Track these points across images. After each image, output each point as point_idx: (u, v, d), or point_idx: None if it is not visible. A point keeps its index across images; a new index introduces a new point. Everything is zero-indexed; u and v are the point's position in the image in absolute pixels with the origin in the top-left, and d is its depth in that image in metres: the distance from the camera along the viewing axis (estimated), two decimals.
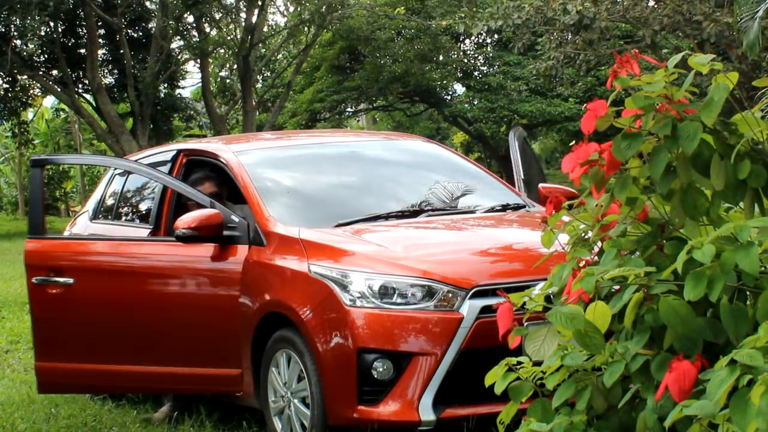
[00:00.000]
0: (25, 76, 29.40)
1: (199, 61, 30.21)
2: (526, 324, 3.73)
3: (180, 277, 6.63)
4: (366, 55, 32.13)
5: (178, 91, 34.43)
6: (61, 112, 41.61)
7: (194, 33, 30.19)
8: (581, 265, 3.64)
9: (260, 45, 31.96)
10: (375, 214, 6.48)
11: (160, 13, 26.94)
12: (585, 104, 3.70)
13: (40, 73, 28.75)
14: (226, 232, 6.28)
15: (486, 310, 5.36)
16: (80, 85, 30.31)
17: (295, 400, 5.80)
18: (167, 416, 6.79)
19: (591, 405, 3.60)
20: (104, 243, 7.19)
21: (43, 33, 27.49)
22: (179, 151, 7.35)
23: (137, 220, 7.63)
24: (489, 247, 6.03)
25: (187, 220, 6.27)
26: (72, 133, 44.31)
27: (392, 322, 5.44)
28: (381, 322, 5.45)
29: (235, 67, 31.74)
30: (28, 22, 25.20)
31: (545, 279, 3.90)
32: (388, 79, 31.46)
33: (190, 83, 42.48)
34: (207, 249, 6.40)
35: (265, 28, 31.42)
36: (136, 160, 7.54)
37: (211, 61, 32.07)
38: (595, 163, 3.61)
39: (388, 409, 5.41)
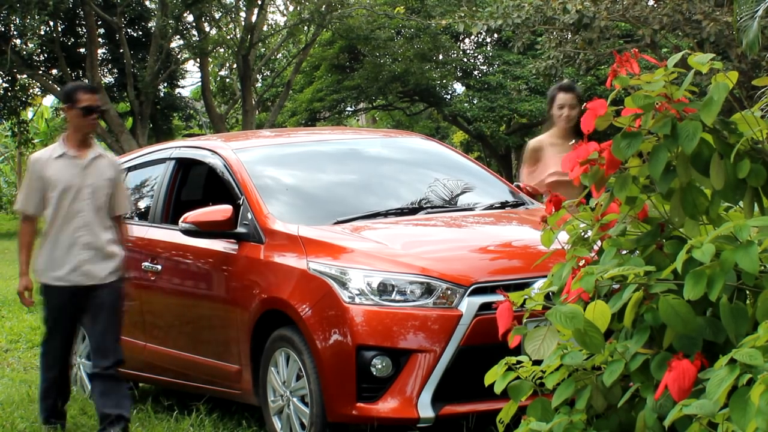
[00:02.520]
0: (25, 76, 29.39)
1: (198, 60, 30.19)
2: (525, 323, 3.73)
3: (190, 269, 6.92)
4: (365, 55, 32.13)
5: (177, 90, 34.42)
6: (61, 112, 41.63)
7: (194, 32, 30.17)
8: (581, 264, 3.64)
9: (260, 44, 31.96)
10: (374, 211, 6.49)
11: (160, 12, 26.93)
12: (585, 103, 3.70)
13: (40, 72, 28.74)
14: (240, 229, 6.33)
15: (485, 307, 5.36)
16: None
17: (294, 399, 5.80)
18: None
19: (590, 404, 3.60)
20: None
21: (42, 32, 27.48)
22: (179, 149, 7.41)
23: (136, 218, 7.65)
24: (488, 245, 6.04)
25: (192, 215, 6.37)
26: None
27: (391, 319, 5.44)
28: (380, 319, 5.45)
29: (235, 66, 31.72)
30: (28, 21, 25.18)
31: (544, 276, 3.90)
32: (388, 79, 31.45)
33: (189, 82, 42.52)
34: (213, 244, 6.49)
35: (265, 28, 31.40)
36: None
37: (210, 60, 32.06)
38: (595, 162, 3.61)
39: (387, 406, 5.41)
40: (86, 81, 28.90)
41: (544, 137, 7.05)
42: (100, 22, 28.74)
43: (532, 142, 7.15)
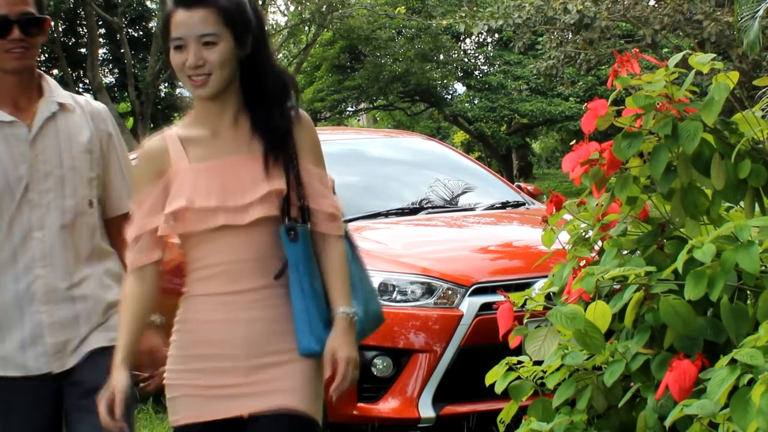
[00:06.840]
0: None
1: None
2: (526, 323, 3.72)
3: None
4: (366, 55, 32.13)
5: (178, 90, 34.39)
6: None
7: None
8: (582, 264, 3.63)
9: None
10: (375, 211, 6.48)
11: (161, 12, 26.95)
12: (585, 104, 3.70)
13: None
14: None
15: (486, 307, 5.36)
16: (81, 85, 30.32)
17: None
18: None
19: (591, 404, 3.60)
20: None
21: None
22: None
23: None
24: (489, 245, 6.04)
25: None
26: None
27: (392, 319, 5.44)
28: None
29: None
30: None
31: (545, 276, 3.89)
32: (389, 79, 31.44)
33: None
34: None
35: (266, 28, 31.40)
36: None
37: None
38: (596, 162, 3.61)
39: (387, 406, 5.41)
40: (87, 81, 28.97)
41: None
42: (100, 22, 28.75)
43: None
